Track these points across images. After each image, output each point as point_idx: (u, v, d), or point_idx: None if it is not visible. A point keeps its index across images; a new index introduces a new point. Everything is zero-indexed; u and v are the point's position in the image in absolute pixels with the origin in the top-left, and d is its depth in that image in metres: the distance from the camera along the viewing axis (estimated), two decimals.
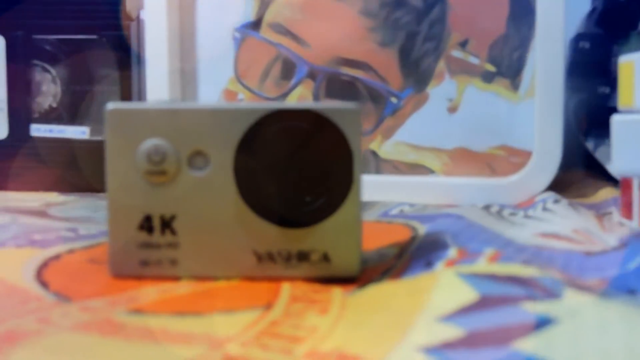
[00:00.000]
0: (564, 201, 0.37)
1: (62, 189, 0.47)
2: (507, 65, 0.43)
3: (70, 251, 0.28)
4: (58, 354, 0.17)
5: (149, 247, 0.25)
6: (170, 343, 0.18)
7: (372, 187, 0.43)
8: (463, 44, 0.43)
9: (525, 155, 0.42)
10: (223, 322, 0.20)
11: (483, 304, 0.20)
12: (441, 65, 0.43)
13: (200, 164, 0.24)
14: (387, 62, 0.44)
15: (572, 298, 0.19)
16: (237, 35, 0.46)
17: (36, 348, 0.17)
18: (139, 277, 0.24)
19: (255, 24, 0.46)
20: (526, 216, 0.36)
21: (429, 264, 0.24)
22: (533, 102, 0.42)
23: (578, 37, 0.44)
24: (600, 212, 0.37)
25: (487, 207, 0.37)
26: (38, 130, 0.47)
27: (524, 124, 0.42)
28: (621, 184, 0.35)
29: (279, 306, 0.21)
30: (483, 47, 0.43)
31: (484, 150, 0.43)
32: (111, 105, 0.24)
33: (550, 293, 0.20)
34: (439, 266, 0.24)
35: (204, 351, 0.18)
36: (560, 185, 0.43)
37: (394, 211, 0.37)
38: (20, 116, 0.47)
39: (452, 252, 0.25)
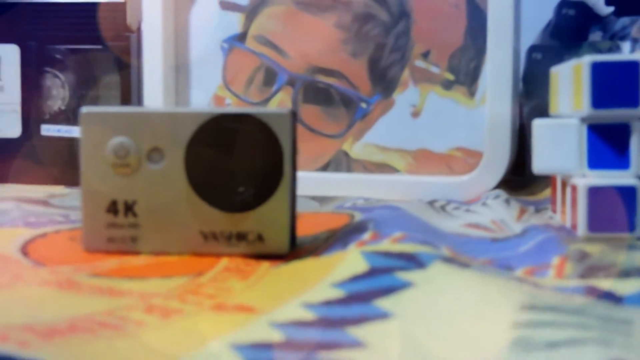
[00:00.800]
0: (502, 197, 0.41)
1: (68, 183, 0.52)
2: (465, 74, 0.47)
3: (57, 231, 0.34)
4: (21, 299, 0.22)
5: (115, 227, 0.29)
6: (110, 297, 0.23)
7: (343, 184, 0.48)
8: (425, 55, 0.47)
9: (480, 156, 0.46)
10: (158, 284, 0.25)
11: (370, 273, 0.25)
12: (406, 73, 0.48)
13: (158, 158, 0.29)
14: (357, 71, 0.48)
15: (435, 268, 0.24)
16: (225, 46, 0.51)
17: (5, 295, 0.22)
18: (106, 252, 0.29)
19: (242, 36, 0.50)
20: (466, 210, 0.40)
21: (345, 245, 0.29)
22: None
23: (532, 49, 0.48)
24: (538, 207, 0.41)
25: (432, 202, 0.42)
26: (48, 130, 0.52)
27: (479, 127, 0.46)
28: (552, 182, 0.39)
29: (210, 274, 0.26)
30: (443, 57, 0.47)
31: (443, 151, 0.47)
32: (85, 109, 0.29)
33: (420, 264, 0.24)
34: (351, 246, 0.28)
35: (133, 302, 0.22)
36: (520, 184, 0.47)
37: (348, 204, 0.42)
38: (32, 117, 0.53)
39: (366, 235, 0.29)
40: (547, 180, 0.48)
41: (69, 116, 0.53)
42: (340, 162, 0.49)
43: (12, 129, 0.53)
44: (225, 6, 0.51)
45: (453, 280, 0.22)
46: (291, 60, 0.49)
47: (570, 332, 0.17)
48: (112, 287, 0.24)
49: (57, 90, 0.53)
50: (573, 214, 0.34)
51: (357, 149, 0.49)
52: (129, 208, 0.29)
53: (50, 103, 0.53)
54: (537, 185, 0.47)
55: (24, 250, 0.29)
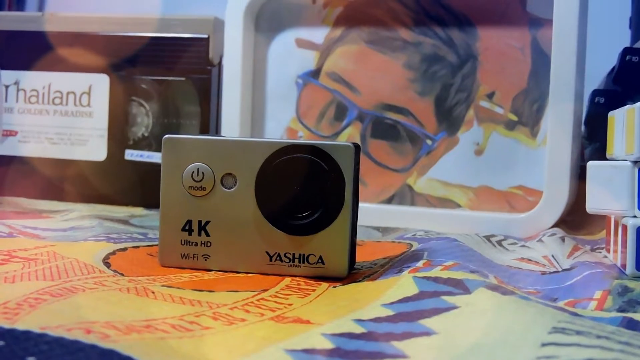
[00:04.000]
0: (558, 235, 0.42)
1: (147, 205, 0.55)
2: (528, 115, 0.48)
3: (136, 247, 0.37)
4: (103, 300, 0.25)
5: (189, 245, 0.32)
6: (181, 304, 0.26)
7: (407, 216, 0.50)
8: (490, 96, 0.49)
9: (540, 195, 0.48)
10: (224, 297, 0.27)
11: (418, 296, 0.27)
12: (470, 113, 0.50)
13: (230, 183, 0.32)
14: (424, 109, 0.51)
15: (479, 293, 0.26)
16: (300, 81, 0.54)
17: (91, 296, 0.25)
18: (180, 267, 0.32)
19: (315, 72, 0.53)
20: (522, 246, 0.41)
21: (400, 271, 0.31)
22: None
23: (595, 93, 0.50)
24: (594, 247, 0.42)
25: (489, 237, 0.43)
26: (131, 154, 0.56)
27: (540, 167, 0.48)
28: (606, 223, 0.40)
29: (272, 290, 0.29)
30: (507, 99, 0.49)
31: (504, 189, 0.49)
32: (167, 136, 0.32)
33: (466, 290, 0.26)
34: (405, 272, 0.30)
35: (201, 310, 0.25)
36: (574, 224, 0.48)
37: (409, 235, 0.44)
38: (117, 142, 0.56)
39: (420, 263, 0.31)
40: (604, 221, 0.49)
41: (151, 142, 0.56)
42: (405, 196, 0.51)
43: (99, 152, 0.57)
44: (302, 44, 0.54)
45: (494, 304, 0.24)
46: (361, 96, 0.52)
47: (591, 352, 0.19)
48: (182, 297, 0.27)
49: (142, 118, 0.57)
50: (623, 253, 0.35)
51: (421, 184, 0.51)
52: (203, 228, 0.32)
53: (135, 130, 0.57)
54: (596, 226, 0.48)
55: (106, 261, 0.32)
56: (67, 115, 0.57)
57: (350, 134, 0.52)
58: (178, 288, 0.28)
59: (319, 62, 0.53)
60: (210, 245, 0.32)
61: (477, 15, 0.49)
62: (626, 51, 0.48)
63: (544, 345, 0.20)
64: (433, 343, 0.21)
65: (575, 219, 0.49)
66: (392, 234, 0.46)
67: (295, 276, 0.31)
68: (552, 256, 0.37)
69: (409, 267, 0.31)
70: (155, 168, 0.56)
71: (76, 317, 0.22)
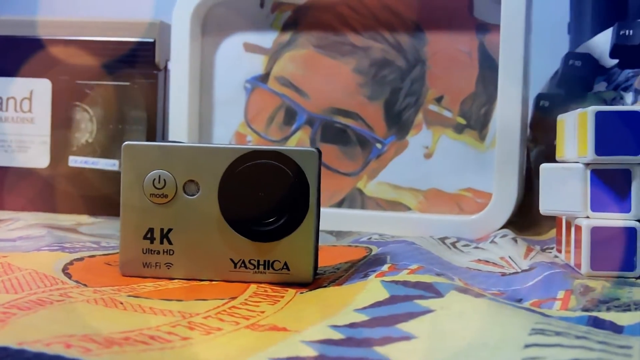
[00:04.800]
0: (510, 236, 0.43)
1: (92, 212, 0.54)
2: (475, 119, 0.49)
3: (92, 256, 0.36)
4: (73, 313, 0.24)
5: (151, 253, 0.32)
6: (154, 314, 0.25)
7: (357, 220, 0.50)
8: (438, 100, 0.50)
9: (489, 196, 0.49)
10: (194, 305, 0.27)
11: (390, 300, 0.27)
12: (420, 117, 0.50)
13: (193, 190, 0.32)
14: (374, 113, 0.51)
15: (452, 297, 0.26)
16: (248, 85, 0.54)
17: (60, 309, 0.24)
18: (142, 276, 0.32)
19: (264, 77, 0.53)
20: (475, 247, 0.42)
21: (365, 275, 0.31)
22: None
23: (539, 96, 0.51)
24: (544, 247, 0.43)
25: (443, 239, 0.44)
26: (75, 161, 0.55)
27: (489, 169, 0.49)
28: (556, 223, 0.41)
29: (241, 298, 0.28)
30: (455, 102, 0.50)
31: (453, 191, 0.50)
32: (126, 143, 0.32)
33: (438, 293, 0.26)
34: (371, 277, 0.30)
35: (175, 320, 0.24)
36: (521, 225, 0.49)
37: (364, 239, 0.44)
38: (60, 149, 0.55)
39: (385, 267, 0.32)
40: (552, 222, 0.50)
41: (96, 149, 0.55)
42: (355, 199, 0.51)
43: (41, 159, 0.55)
44: (250, 48, 0.53)
45: (468, 307, 0.24)
46: (311, 101, 0.52)
47: (575, 352, 0.19)
48: (153, 307, 0.26)
49: (86, 123, 0.55)
50: (577, 253, 0.36)
51: (371, 187, 0.51)
52: (165, 236, 0.32)
53: (79, 136, 0.55)
54: (543, 226, 0.49)
55: (66, 271, 0.31)
56: (7, 122, 0.55)
57: (299, 139, 0.52)
58: (145, 298, 0.28)
59: (268, 66, 0.53)
60: (173, 253, 0.32)
61: (426, 20, 0.50)
62: (569, 56, 0.49)
63: (527, 346, 0.20)
64: (415, 347, 0.21)
65: (522, 220, 0.50)
66: (346, 237, 0.46)
67: (260, 283, 0.31)
68: (509, 257, 0.38)
69: (374, 271, 0.31)
70: (100, 175, 0.55)
71: (51, 330, 0.21)
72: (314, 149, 0.31)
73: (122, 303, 0.26)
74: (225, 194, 0.31)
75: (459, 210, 0.50)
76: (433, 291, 0.27)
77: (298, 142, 0.52)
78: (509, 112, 0.47)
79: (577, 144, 0.37)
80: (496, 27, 0.49)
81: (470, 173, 0.49)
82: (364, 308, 0.26)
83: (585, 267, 0.34)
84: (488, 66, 0.49)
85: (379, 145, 0.51)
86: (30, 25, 0.55)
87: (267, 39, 0.53)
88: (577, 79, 0.49)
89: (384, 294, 0.28)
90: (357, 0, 0.51)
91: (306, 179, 0.31)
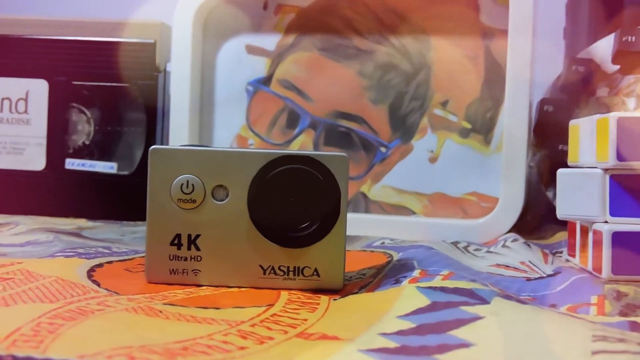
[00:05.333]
0: (521, 240, 0.43)
1: (90, 216, 0.53)
2: (481, 123, 0.50)
3: (110, 262, 0.35)
4: (120, 323, 0.24)
5: (178, 259, 0.31)
6: (198, 323, 0.25)
7: (361, 223, 0.50)
8: (444, 104, 0.50)
9: (494, 201, 0.49)
10: (236, 313, 0.26)
11: (432, 307, 0.27)
12: (425, 121, 0.50)
13: (222, 196, 0.31)
14: (378, 117, 0.51)
15: (497, 303, 0.26)
16: (250, 88, 0.53)
17: (104, 318, 0.24)
18: (168, 283, 0.31)
19: (267, 80, 0.53)
20: (488, 252, 0.42)
21: (397, 281, 0.31)
22: (501, 155, 0.49)
23: (543, 101, 0.51)
24: (552, 251, 0.44)
25: (455, 243, 0.44)
26: (72, 164, 0.54)
27: (494, 174, 0.49)
28: (568, 227, 0.42)
29: (279, 305, 0.28)
30: (461, 107, 0.50)
31: (458, 195, 0.50)
32: (154, 147, 0.31)
33: (482, 300, 0.26)
34: (404, 283, 0.30)
35: (224, 328, 0.24)
36: (524, 229, 0.49)
37: (377, 243, 0.44)
38: (56, 151, 0.54)
39: (415, 273, 0.31)
40: (555, 226, 0.50)
41: (93, 151, 0.54)
42: (359, 203, 0.51)
43: (37, 162, 0.54)
44: (252, 51, 0.53)
45: (519, 313, 0.24)
46: (314, 104, 0.52)
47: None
48: (193, 315, 0.26)
49: (83, 125, 0.54)
50: (596, 257, 0.36)
51: (375, 191, 0.51)
52: (192, 242, 0.31)
53: (75, 138, 0.54)
54: (546, 230, 0.49)
55: (92, 278, 0.31)
56: (2, 123, 0.54)
57: (302, 142, 0.52)
58: (181, 306, 0.27)
59: (270, 69, 0.53)
60: (201, 259, 0.31)
61: (431, 25, 0.50)
62: (572, 61, 0.50)
63: (595, 353, 0.20)
64: (478, 355, 0.21)
65: (523, 224, 0.51)
66: (355, 242, 0.46)
67: (290, 289, 0.31)
68: (529, 262, 0.38)
69: (405, 277, 0.31)
70: (97, 178, 0.54)
71: (107, 342, 0.21)
72: (344, 154, 0.31)
73: (161, 312, 0.26)
74: (255, 200, 0.31)
75: (463, 214, 0.50)
76: (476, 297, 0.27)
77: (301, 145, 0.52)
78: (516, 116, 0.47)
79: (596, 150, 0.37)
80: (502, 33, 0.49)
81: (475, 177, 0.50)
82: (407, 315, 0.26)
83: (606, 272, 0.35)
84: (494, 71, 0.49)
85: (383, 149, 0.51)
86: (27, 25, 0.54)
87: (270, 41, 0.53)
88: (580, 85, 0.50)
89: (423, 301, 0.27)
90: (362, 3, 0.51)
91: (337, 185, 0.31)
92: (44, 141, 0.54)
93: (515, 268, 0.37)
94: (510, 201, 0.47)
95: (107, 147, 0.54)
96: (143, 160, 0.53)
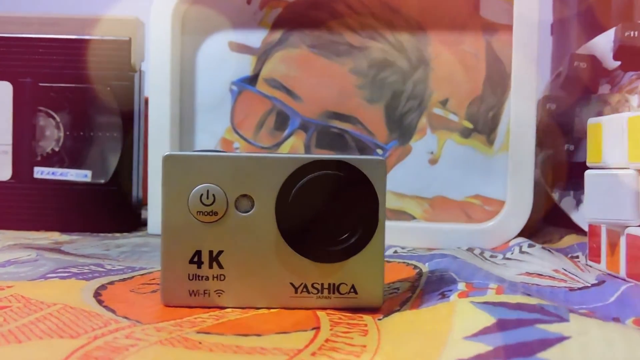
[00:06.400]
0: (538, 245, 0.41)
1: (62, 229, 0.49)
2: (483, 122, 0.47)
3: (111, 283, 0.31)
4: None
5: (198, 279, 0.28)
6: (249, 355, 0.21)
7: None
8: (444, 103, 0.48)
9: (498, 204, 0.47)
10: (283, 340, 0.23)
11: (500, 326, 0.24)
12: (423, 121, 0.48)
13: (246, 206, 0.28)
14: (373, 117, 0.48)
15: (578, 321, 0.23)
16: (234, 88, 0.50)
17: (142, 356, 0.20)
18: (188, 306, 0.28)
19: (252, 79, 0.49)
20: (505, 258, 0.40)
21: (443, 296, 0.28)
22: (506, 156, 0.46)
23: (546, 99, 0.49)
24: (567, 256, 0.42)
25: (471, 249, 0.41)
26: (41, 172, 0.50)
27: (498, 175, 0.47)
28: (589, 231, 0.39)
29: (325, 328, 0.25)
30: (462, 106, 0.47)
31: (461, 198, 0.47)
32: (168, 153, 0.28)
33: (559, 317, 0.24)
34: (453, 298, 0.27)
35: (283, 358, 0.21)
36: (528, 232, 0.47)
37: (388, 252, 0.41)
38: (23, 159, 0.50)
39: (461, 286, 0.29)
40: (562, 230, 0.48)
41: (64, 158, 0.50)
42: None
43: (2, 171, 0.49)
44: (236, 48, 0.50)
45: (609, 332, 0.22)
46: (304, 104, 0.49)
47: None
48: (239, 345, 0.23)
49: (51, 130, 0.50)
50: (631, 263, 0.34)
51: None
52: (214, 259, 0.28)
53: (43, 144, 0.50)
54: (553, 234, 0.47)
55: (103, 304, 0.27)
56: None
57: (293, 145, 0.49)
58: (218, 334, 0.24)
59: (256, 67, 0.49)
60: (224, 278, 0.28)
61: (429, 19, 0.48)
62: (574, 57, 0.48)
63: None
64: None
65: (527, 226, 0.48)
66: None
67: (325, 309, 0.28)
68: (564, 269, 0.35)
69: (450, 291, 0.28)
70: (70, 187, 0.49)
71: None
72: (382, 158, 0.28)
73: (200, 343, 0.23)
74: (283, 210, 0.28)
75: (466, 218, 0.47)
76: (549, 314, 0.24)
77: (291, 148, 0.49)
78: (522, 114, 0.45)
79: (628, 149, 0.35)
80: (504, 27, 0.47)
81: (478, 179, 0.47)
82: (475, 336, 0.23)
83: None
84: (496, 68, 0.47)
85: (379, 151, 0.48)
86: None
87: (255, 37, 0.49)
88: (583, 81, 0.48)
89: (486, 318, 0.25)
90: None
91: (375, 192, 0.28)
92: (9, 149, 0.49)
93: (550, 277, 0.34)
94: (518, 204, 0.45)
95: (79, 154, 0.50)
96: (119, 167, 0.49)
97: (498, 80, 0.47)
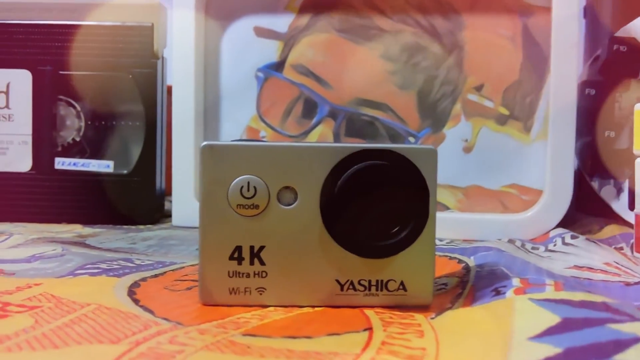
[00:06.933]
0: (582, 237, 0.39)
1: (85, 221, 0.48)
2: (520, 109, 0.46)
3: (143, 280, 0.30)
4: None
5: (239, 276, 0.26)
6: (306, 359, 0.20)
7: None
8: (478, 88, 0.46)
9: (535, 193, 0.45)
10: (337, 342, 0.22)
11: (567, 326, 0.22)
12: (457, 107, 0.46)
13: (289, 199, 0.26)
14: (405, 104, 0.46)
15: None
16: (260, 75, 0.48)
17: None
18: (228, 305, 0.26)
19: (279, 65, 0.48)
20: (547, 250, 0.38)
21: (497, 293, 0.26)
22: (544, 143, 0.45)
23: (584, 84, 0.48)
24: (611, 247, 0.40)
25: (512, 241, 0.40)
26: (62, 163, 0.48)
27: (535, 164, 0.45)
28: (636, 221, 0.38)
29: (379, 329, 0.23)
30: (497, 91, 0.46)
31: (496, 188, 0.46)
32: (205, 143, 0.26)
33: (630, 316, 0.22)
34: (509, 294, 0.26)
35: None
36: (566, 222, 0.46)
37: None
38: (44, 149, 0.48)
39: (515, 282, 0.27)
40: (601, 220, 0.47)
41: (85, 148, 0.48)
42: None
43: (22, 162, 0.48)
44: (261, 33, 0.48)
45: None
46: (333, 91, 0.47)
47: None
48: (290, 349, 0.21)
49: (72, 120, 0.49)
50: None
51: None
52: (256, 255, 0.26)
53: (64, 134, 0.49)
54: (592, 224, 0.46)
55: (139, 304, 0.26)
56: None
57: (321, 133, 0.47)
58: (265, 337, 0.22)
59: (283, 53, 0.48)
60: (266, 275, 0.26)
61: (462, 1, 0.46)
62: (613, 40, 0.46)
63: None
64: None
65: (565, 216, 0.47)
66: None
67: (372, 307, 0.26)
68: (615, 262, 0.34)
69: (504, 287, 0.27)
70: (91, 178, 0.48)
71: None
72: (433, 147, 0.26)
73: (249, 347, 0.21)
74: (328, 203, 0.26)
75: (502, 208, 0.46)
76: (619, 313, 0.23)
77: (320, 136, 0.47)
78: (562, 100, 0.43)
79: None
80: (541, 9, 0.45)
81: (515, 168, 0.46)
82: (540, 336, 0.22)
83: None
84: (533, 52, 0.45)
85: (411, 139, 0.46)
86: (7, 9, 0.48)
87: (282, 22, 0.48)
88: (621, 65, 0.46)
89: (551, 317, 0.23)
90: None
91: (425, 183, 0.26)
92: (29, 139, 0.48)
93: (602, 270, 0.33)
94: (558, 193, 0.43)
95: (100, 144, 0.48)
96: (142, 157, 0.48)
97: (535, 64, 0.45)
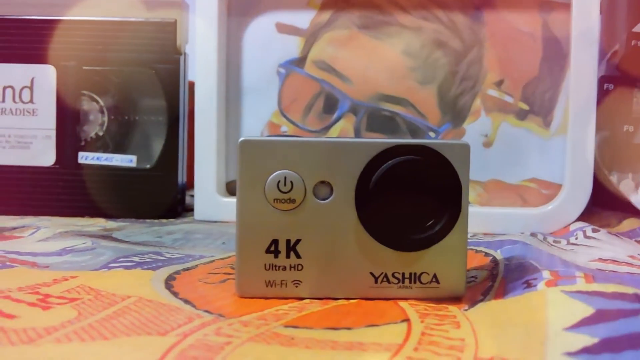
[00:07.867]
0: (603, 230, 0.40)
1: (108, 215, 0.48)
2: (540, 104, 0.46)
3: (177, 273, 0.30)
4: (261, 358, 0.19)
5: (275, 269, 0.27)
6: (350, 351, 0.20)
7: None
8: (498, 84, 0.46)
9: (555, 187, 0.45)
10: (377, 333, 0.22)
11: (602, 316, 0.23)
12: (477, 102, 0.46)
13: (325, 194, 0.27)
14: (426, 99, 0.47)
15: None
16: (282, 70, 0.48)
17: (240, 354, 0.20)
18: (264, 297, 0.27)
19: (300, 61, 0.48)
20: (569, 243, 0.39)
21: (528, 285, 0.27)
22: (564, 138, 0.45)
23: (603, 79, 0.48)
24: (632, 240, 0.40)
25: (534, 234, 0.40)
26: (85, 158, 0.49)
27: (555, 158, 0.46)
28: None
29: (416, 321, 0.24)
30: (517, 87, 0.46)
31: (516, 182, 0.46)
32: (243, 139, 0.27)
33: None
34: (541, 286, 0.26)
35: (388, 355, 0.20)
36: (584, 216, 0.46)
37: None
38: (67, 144, 0.49)
39: (546, 274, 0.28)
40: (620, 214, 0.47)
41: (108, 143, 0.49)
42: None
43: (46, 157, 0.49)
44: (283, 29, 0.48)
45: None
46: (354, 87, 0.47)
47: None
48: (334, 340, 0.22)
49: (95, 115, 0.49)
50: None
51: None
52: (292, 248, 0.27)
53: (87, 129, 0.49)
54: (611, 218, 0.46)
55: (178, 296, 0.26)
56: (5, 114, 0.48)
57: (342, 128, 0.48)
58: (307, 328, 0.23)
59: (304, 49, 0.48)
60: (302, 268, 0.27)
61: None
62: (631, 35, 0.46)
63: None
64: None
65: (584, 212, 0.47)
66: None
67: (406, 299, 0.27)
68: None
69: (535, 279, 0.27)
70: (114, 172, 0.48)
71: None
72: (466, 143, 0.27)
73: (292, 339, 0.22)
74: (364, 197, 0.27)
75: (522, 202, 0.46)
76: None
77: (341, 131, 0.47)
78: (582, 96, 0.44)
79: None
80: (561, 5, 0.45)
81: (535, 162, 0.46)
82: (575, 327, 0.22)
83: None
84: (553, 47, 0.46)
85: (432, 134, 0.47)
86: (31, 4, 0.49)
87: (303, 18, 0.48)
88: (639, 60, 0.46)
89: (584, 308, 0.24)
90: None
91: (458, 178, 0.27)
92: (52, 133, 0.49)
93: (627, 263, 0.33)
94: (577, 187, 0.44)
95: (123, 139, 0.49)
96: (164, 152, 0.48)
97: (555, 60, 0.46)
